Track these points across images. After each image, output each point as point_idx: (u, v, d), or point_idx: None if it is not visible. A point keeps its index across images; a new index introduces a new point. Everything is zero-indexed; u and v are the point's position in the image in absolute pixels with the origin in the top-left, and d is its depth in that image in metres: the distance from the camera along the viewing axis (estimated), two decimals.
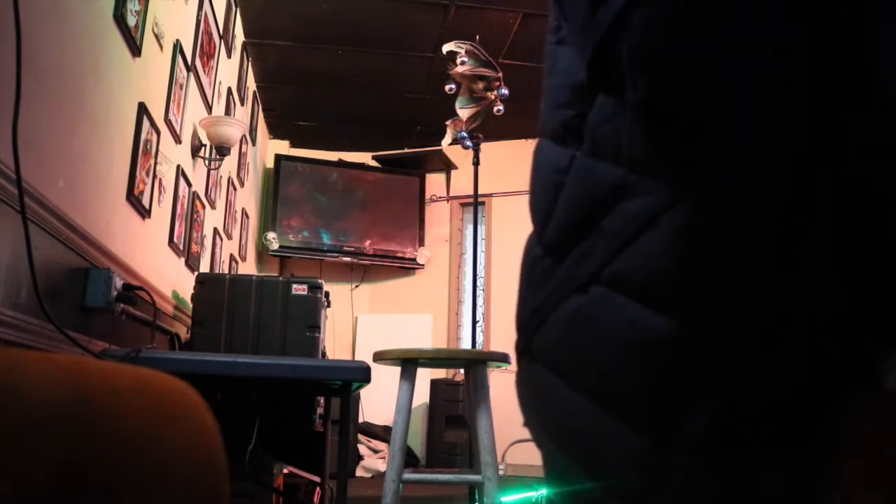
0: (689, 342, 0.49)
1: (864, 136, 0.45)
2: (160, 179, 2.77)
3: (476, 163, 3.84)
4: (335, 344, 5.92)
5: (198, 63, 3.28)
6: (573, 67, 0.58)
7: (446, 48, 3.84)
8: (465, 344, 6.13)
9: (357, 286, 6.24)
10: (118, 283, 2.08)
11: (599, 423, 0.53)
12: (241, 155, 4.68)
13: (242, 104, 4.66)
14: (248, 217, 5.26)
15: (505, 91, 3.79)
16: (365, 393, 5.16)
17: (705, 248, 0.48)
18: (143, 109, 2.48)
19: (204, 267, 3.70)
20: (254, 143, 5.35)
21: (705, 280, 0.48)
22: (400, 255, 6.17)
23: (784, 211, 0.47)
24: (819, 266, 0.48)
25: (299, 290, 2.50)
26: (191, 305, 2.54)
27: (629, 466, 0.51)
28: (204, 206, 3.62)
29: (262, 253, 5.89)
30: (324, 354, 2.69)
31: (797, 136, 0.47)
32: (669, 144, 0.51)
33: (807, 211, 0.47)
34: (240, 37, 4.49)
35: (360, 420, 5.45)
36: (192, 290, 2.51)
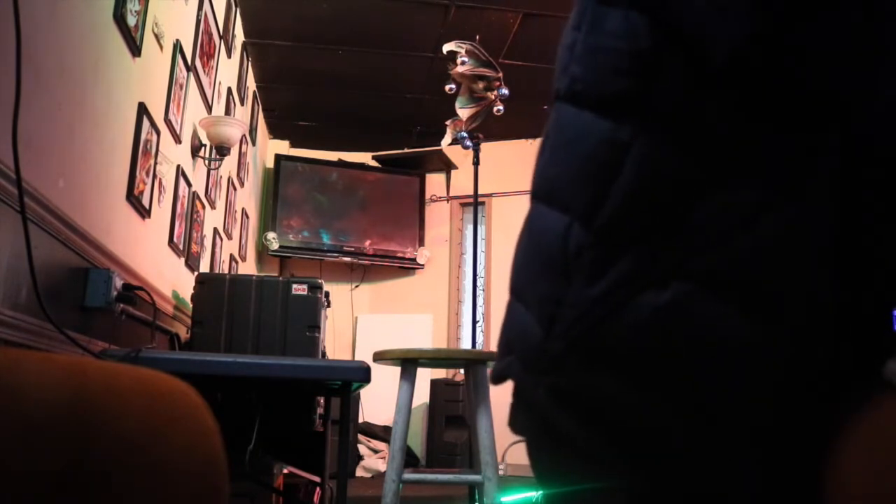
0: (808, 342, 0.45)
1: None
2: (160, 179, 2.77)
3: (476, 163, 3.84)
4: (335, 344, 5.92)
5: (198, 63, 3.28)
6: (633, 32, 0.51)
7: (446, 48, 3.84)
8: (465, 344, 6.13)
9: (357, 286, 6.24)
10: (118, 283, 2.08)
11: (725, 443, 0.47)
12: (241, 155, 4.68)
13: (242, 104, 4.66)
14: (248, 217, 5.26)
15: (505, 91, 3.79)
16: (365, 393, 5.16)
17: (815, 252, 0.44)
18: (143, 109, 2.48)
19: (204, 267, 3.70)
20: (254, 143, 5.35)
21: (816, 283, 0.44)
22: (400, 255, 6.17)
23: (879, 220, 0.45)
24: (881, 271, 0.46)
25: (299, 290, 2.50)
26: (191, 305, 2.54)
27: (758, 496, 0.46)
28: (204, 206, 3.62)
29: (262, 253, 5.89)
30: (324, 354, 2.69)
31: None
32: (774, 138, 0.46)
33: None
34: (240, 37, 4.49)
35: (360, 420, 5.45)
36: (192, 290, 2.51)
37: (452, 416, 5.23)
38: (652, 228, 0.49)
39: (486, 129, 4.02)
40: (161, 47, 2.70)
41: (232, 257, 4.61)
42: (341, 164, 6.32)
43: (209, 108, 3.58)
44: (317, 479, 2.63)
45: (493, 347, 5.96)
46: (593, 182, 0.52)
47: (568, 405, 0.54)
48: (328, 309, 2.78)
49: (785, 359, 0.45)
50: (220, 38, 3.79)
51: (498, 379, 0.61)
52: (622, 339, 0.49)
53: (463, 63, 3.79)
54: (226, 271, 4.36)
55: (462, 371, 3.66)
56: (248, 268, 5.37)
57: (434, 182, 6.44)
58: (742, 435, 0.47)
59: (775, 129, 0.46)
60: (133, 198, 2.42)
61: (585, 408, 0.53)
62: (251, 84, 5.07)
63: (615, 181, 0.50)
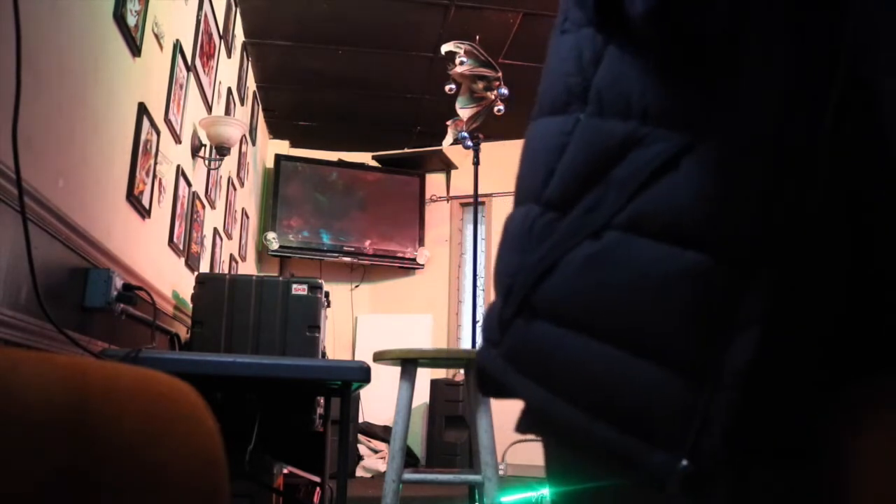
0: (723, 274, 0.48)
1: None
2: (160, 179, 2.77)
3: (476, 163, 3.84)
4: (335, 344, 5.92)
5: (198, 63, 3.28)
6: (578, 45, 0.59)
7: (445, 48, 3.84)
8: (465, 344, 6.12)
9: (357, 286, 6.23)
10: (118, 283, 2.08)
11: (633, 370, 0.50)
12: (241, 155, 4.68)
13: (242, 104, 4.66)
14: (248, 217, 5.26)
15: (505, 91, 3.79)
16: (365, 393, 5.16)
17: (734, 184, 0.48)
18: (143, 109, 2.48)
19: (204, 267, 3.70)
20: (254, 143, 5.35)
21: (736, 213, 0.48)
22: (400, 255, 6.17)
23: (805, 153, 0.47)
24: (835, 221, 0.48)
25: (299, 290, 2.50)
26: (191, 305, 2.54)
27: (672, 412, 0.48)
28: (204, 206, 3.62)
29: (262, 253, 5.89)
30: (324, 354, 2.69)
31: (821, 74, 0.47)
32: (684, 90, 0.51)
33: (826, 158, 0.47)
34: (240, 37, 4.49)
35: (360, 420, 5.45)
36: (192, 290, 2.51)
37: (452, 416, 5.23)
38: (588, 191, 0.54)
39: (486, 129, 4.03)
40: (161, 47, 2.70)
41: (232, 257, 4.61)
42: (341, 164, 6.32)
43: (209, 108, 3.58)
44: (317, 479, 2.63)
45: None
46: (545, 166, 0.59)
47: (520, 365, 0.57)
48: (328, 309, 2.78)
49: (728, 285, 0.48)
50: (220, 38, 3.79)
51: (479, 376, 0.63)
52: (558, 288, 0.54)
53: (462, 63, 3.79)
54: (226, 271, 4.36)
55: (462, 371, 3.66)
56: (248, 268, 5.38)
57: (434, 182, 6.44)
58: (706, 367, 0.49)
59: (685, 81, 0.51)
60: (133, 198, 2.42)
61: (534, 362, 0.56)
62: (251, 84, 5.07)
63: (560, 160, 0.57)
